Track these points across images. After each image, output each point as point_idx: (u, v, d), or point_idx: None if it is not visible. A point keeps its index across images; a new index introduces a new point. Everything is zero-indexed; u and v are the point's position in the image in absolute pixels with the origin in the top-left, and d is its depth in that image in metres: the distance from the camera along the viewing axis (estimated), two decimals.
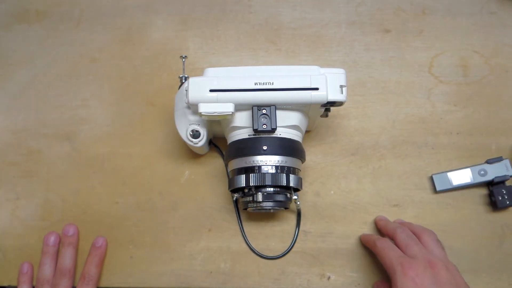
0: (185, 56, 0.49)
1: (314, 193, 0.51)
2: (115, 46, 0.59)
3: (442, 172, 0.50)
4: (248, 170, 0.43)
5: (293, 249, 0.49)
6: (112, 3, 0.61)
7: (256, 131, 0.42)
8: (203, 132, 0.46)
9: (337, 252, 0.49)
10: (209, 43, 0.58)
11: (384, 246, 0.43)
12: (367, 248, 0.49)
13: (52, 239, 0.50)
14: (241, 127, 0.43)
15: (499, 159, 0.49)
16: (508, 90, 0.54)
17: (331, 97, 0.41)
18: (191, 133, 0.46)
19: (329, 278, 0.48)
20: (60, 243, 0.50)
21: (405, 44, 0.57)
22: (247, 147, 0.43)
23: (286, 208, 0.46)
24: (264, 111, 0.42)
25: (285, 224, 0.50)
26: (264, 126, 0.42)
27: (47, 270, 0.48)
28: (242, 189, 0.44)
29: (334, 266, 0.49)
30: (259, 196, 0.43)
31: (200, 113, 0.41)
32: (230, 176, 0.46)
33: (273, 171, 0.43)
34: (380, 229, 0.49)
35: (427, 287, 0.37)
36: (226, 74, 0.42)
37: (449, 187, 0.50)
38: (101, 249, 0.49)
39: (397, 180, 0.51)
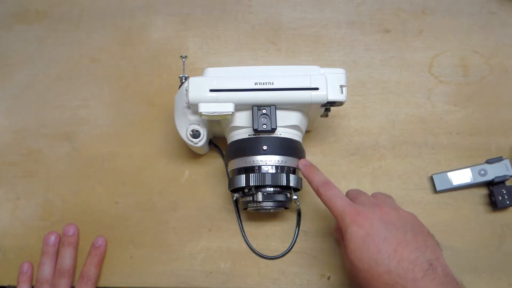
0: (185, 56, 0.49)
1: (314, 193, 0.51)
2: (115, 46, 0.59)
3: (442, 172, 0.50)
4: (248, 170, 0.43)
5: (293, 249, 0.49)
6: (112, 3, 0.61)
7: (256, 131, 0.42)
8: (203, 132, 0.46)
9: (337, 252, 0.49)
10: (209, 43, 0.58)
11: (330, 196, 0.40)
12: None
13: (52, 238, 0.50)
14: (241, 127, 0.43)
15: (499, 159, 0.49)
16: (508, 90, 0.54)
17: (331, 97, 0.41)
18: (191, 133, 0.46)
19: (329, 278, 0.48)
20: (60, 243, 0.50)
21: (405, 44, 0.57)
22: (247, 147, 0.43)
23: (286, 208, 0.46)
24: (264, 111, 0.42)
25: (285, 224, 0.50)
26: (264, 126, 0.42)
27: (47, 270, 0.48)
28: (242, 189, 0.44)
29: (334, 266, 0.49)
30: (259, 196, 0.43)
31: (200, 113, 0.41)
32: (230, 176, 0.46)
33: (273, 171, 0.43)
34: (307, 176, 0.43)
35: (377, 229, 0.36)
36: (226, 74, 0.42)
37: (449, 187, 0.50)
38: (101, 249, 0.49)
39: (397, 180, 0.51)
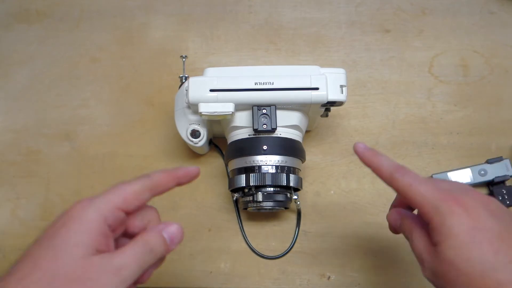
0: (185, 56, 0.49)
1: (314, 193, 0.51)
2: (115, 46, 0.59)
3: (442, 172, 0.50)
4: (248, 170, 0.43)
5: (293, 249, 0.49)
6: (112, 3, 0.61)
7: (256, 131, 0.42)
8: (203, 132, 0.46)
9: (337, 252, 0.49)
10: (209, 43, 0.58)
11: (411, 181, 0.31)
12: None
13: None
14: (241, 127, 0.43)
15: (499, 159, 0.49)
16: (508, 90, 0.54)
17: (331, 97, 0.41)
18: (191, 133, 0.46)
19: (329, 278, 0.48)
20: None
21: (405, 44, 0.57)
22: (247, 147, 0.43)
23: (286, 208, 0.46)
24: (264, 111, 0.42)
25: (285, 224, 0.50)
26: (264, 126, 0.42)
27: None
28: (242, 189, 0.44)
29: (334, 266, 0.49)
30: (259, 196, 0.43)
31: (200, 113, 0.41)
32: (230, 176, 0.46)
33: (273, 171, 0.43)
34: (365, 161, 0.35)
35: (486, 222, 0.28)
36: (226, 74, 0.42)
37: None
38: None
39: None
